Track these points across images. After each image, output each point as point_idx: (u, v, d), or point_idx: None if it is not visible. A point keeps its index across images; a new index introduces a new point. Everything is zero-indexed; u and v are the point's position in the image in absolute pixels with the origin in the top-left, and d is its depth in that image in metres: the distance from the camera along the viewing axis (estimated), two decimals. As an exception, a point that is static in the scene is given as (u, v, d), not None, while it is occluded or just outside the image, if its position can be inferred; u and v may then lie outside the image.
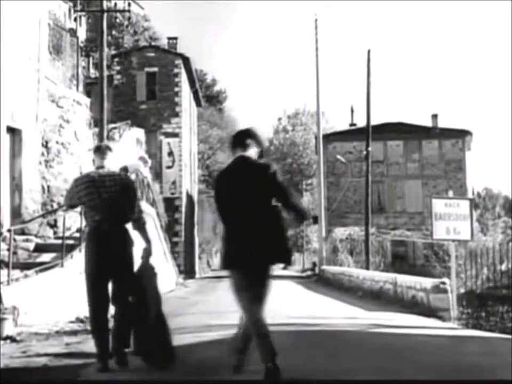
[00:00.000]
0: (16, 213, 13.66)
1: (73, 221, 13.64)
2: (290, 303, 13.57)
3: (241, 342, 4.83)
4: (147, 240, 5.50)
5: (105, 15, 17.06)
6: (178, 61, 36.10)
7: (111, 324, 5.38)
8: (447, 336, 7.90)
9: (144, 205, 18.09)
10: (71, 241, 12.28)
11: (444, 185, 35.30)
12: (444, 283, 11.04)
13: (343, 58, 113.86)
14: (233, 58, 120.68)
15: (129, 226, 5.43)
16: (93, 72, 30.45)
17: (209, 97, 58.54)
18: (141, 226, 5.50)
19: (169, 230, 28.54)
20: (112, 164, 5.72)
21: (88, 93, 22.14)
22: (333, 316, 10.04)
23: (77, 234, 12.90)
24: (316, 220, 34.38)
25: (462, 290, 16.44)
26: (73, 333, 8.05)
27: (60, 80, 17.24)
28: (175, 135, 35.59)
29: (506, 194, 65.55)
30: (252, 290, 4.57)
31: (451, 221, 11.89)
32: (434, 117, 38.90)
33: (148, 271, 5.41)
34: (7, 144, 13.45)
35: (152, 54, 36.03)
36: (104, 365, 5.10)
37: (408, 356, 5.75)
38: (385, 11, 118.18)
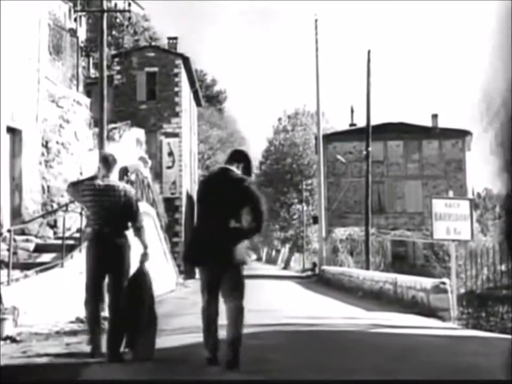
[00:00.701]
0: (16, 213, 13.66)
1: (73, 221, 13.65)
2: (291, 303, 13.58)
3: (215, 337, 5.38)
4: (145, 246, 5.91)
5: (105, 15, 17.03)
6: (178, 61, 36.09)
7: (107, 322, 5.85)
8: (447, 336, 7.90)
9: (144, 206, 18.11)
10: (71, 242, 12.28)
11: (444, 185, 35.28)
12: (444, 283, 11.04)
13: (343, 58, 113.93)
14: (233, 58, 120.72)
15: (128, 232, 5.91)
16: (93, 72, 30.44)
17: (209, 97, 58.52)
18: (139, 233, 5.92)
19: (169, 230, 28.53)
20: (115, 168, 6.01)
21: (88, 93, 22.14)
22: (333, 316, 10.04)
23: (77, 235, 12.89)
24: (316, 220, 34.39)
25: (462, 291, 16.46)
26: (73, 333, 8.05)
27: (60, 80, 17.25)
28: (175, 135, 35.58)
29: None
30: (210, 283, 5.26)
31: (451, 221, 11.89)
32: (434, 117, 38.89)
33: (143, 275, 5.80)
34: (7, 144, 13.45)
35: (152, 54, 36.01)
36: (94, 352, 5.71)
37: (408, 356, 5.75)
38: (385, 11, 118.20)
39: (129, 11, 35.14)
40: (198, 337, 7.27)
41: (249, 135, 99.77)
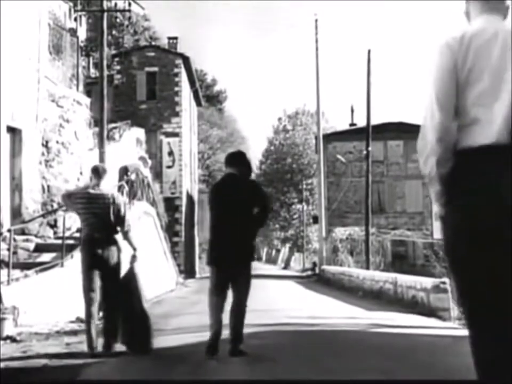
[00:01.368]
0: (16, 213, 13.66)
1: (73, 221, 13.63)
2: (291, 303, 13.58)
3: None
4: (133, 248, 6.45)
5: (105, 15, 17.02)
6: (179, 61, 36.08)
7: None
8: (447, 336, 7.89)
9: (144, 205, 18.11)
10: (71, 241, 12.26)
11: (444, 185, 35.24)
12: (444, 283, 11.03)
13: (343, 58, 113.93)
14: (233, 58, 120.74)
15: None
16: (93, 72, 30.42)
17: (209, 97, 58.51)
18: (127, 236, 6.45)
19: (169, 229, 28.53)
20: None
21: (88, 93, 22.13)
22: (333, 316, 10.04)
23: (77, 234, 12.88)
24: (316, 219, 34.39)
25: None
26: (73, 333, 8.05)
27: (60, 80, 17.25)
28: (175, 134, 35.57)
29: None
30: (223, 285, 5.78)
31: (451, 221, 11.87)
32: (434, 116, 38.84)
33: (133, 275, 6.36)
34: (7, 144, 13.44)
35: (152, 54, 36.00)
36: (91, 350, 6.04)
37: (408, 356, 5.75)
38: (385, 11, 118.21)
39: (129, 11, 35.15)
40: (198, 337, 7.27)
41: (249, 135, 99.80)
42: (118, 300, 6.24)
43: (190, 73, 37.97)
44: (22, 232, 13.24)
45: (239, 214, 5.68)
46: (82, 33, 33.77)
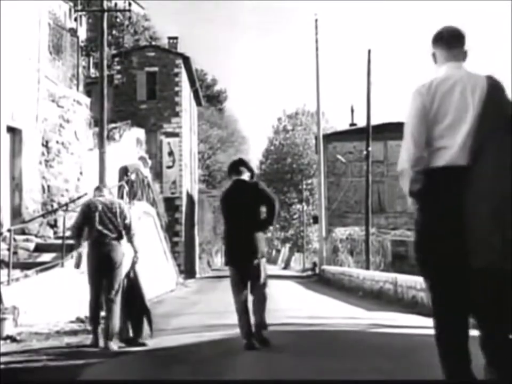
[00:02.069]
0: (16, 212, 13.66)
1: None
2: (291, 303, 13.57)
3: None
4: (135, 251, 7.06)
5: (105, 14, 16.99)
6: (179, 61, 36.08)
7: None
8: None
9: (144, 205, 18.11)
10: (71, 241, 12.23)
11: (444, 185, 35.22)
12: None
13: (343, 58, 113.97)
14: (233, 58, 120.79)
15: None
16: (93, 72, 30.43)
17: (209, 97, 58.48)
18: (131, 240, 7.05)
19: (170, 229, 28.53)
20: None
21: (88, 93, 22.12)
22: (333, 316, 10.03)
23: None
24: (316, 219, 34.38)
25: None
26: (73, 333, 8.05)
27: (60, 80, 17.23)
28: (175, 134, 35.57)
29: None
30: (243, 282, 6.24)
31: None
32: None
33: (134, 276, 7.01)
34: (7, 144, 13.44)
35: (152, 54, 35.99)
36: (95, 343, 6.69)
37: (408, 356, 5.74)
38: (385, 11, 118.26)
39: (129, 10, 35.13)
40: (198, 337, 7.28)
41: (250, 135, 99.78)
42: (121, 297, 6.84)
43: (190, 73, 37.97)
44: (22, 232, 13.24)
45: (247, 217, 6.19)
46: (82, 33, 33.78)
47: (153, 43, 40.30)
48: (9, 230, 10.72)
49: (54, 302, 9.73)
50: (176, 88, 35.76)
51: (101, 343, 6.63)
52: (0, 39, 12.62)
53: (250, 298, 6.30)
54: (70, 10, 34.27)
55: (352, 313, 10.74)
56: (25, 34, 14.10)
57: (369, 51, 25.05)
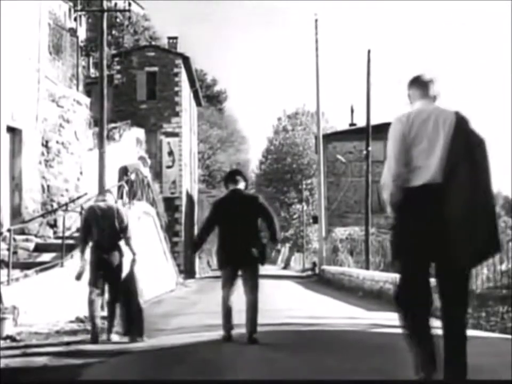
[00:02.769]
0: (16, 212, 13.66)
1: (73, 220, 13.65)
2: (291, 303, 13.58)
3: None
4: (133, 253, 7.39)
5: (105, 14, 16.97)
6: (179, 61, 36.07)
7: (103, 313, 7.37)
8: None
9: (144, 205, 18.10)
10: (71, 241, 12.25)
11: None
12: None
13: (343, 58, 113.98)
14: (233, 58, 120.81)
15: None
16: (93, 72, 30.43)
17: (209, 97, 58.49)
18: (129, 242, 7.38)
19: (169, 229, 28.52)
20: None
21: (88, 93, 22.12)
22: (333, 316, 10.04)
23: (77, 234, 12.87)
24: (316, 219, 34.38)
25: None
26: (73, 332, 8.05)
27: (60, 79, 17.24)
28: (175, 134, 35.57)
29: (506, 194, 65.46)
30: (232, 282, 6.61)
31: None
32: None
33: (132, 277, 7.36)
34: (7, 144, 13.44)
35: (152, 54, 35.99)
36: (95, 339, 7.01)
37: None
38: (385, 11, 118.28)
39: (129, 10, 35.14)
40: (198, 337, 7.28)
41: (250, 135, 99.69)
42: (119, 296, 7.28)
43: (190, 73, 37.97)
44: (22, 232, 13.23)
45: (243, 225, 6.45)
46: (82, 33, 33.79)
47: (153, 43, 40.31)
48: (9, 230, 10.72)
49: (54, 302, 9.72)
50: (176, 88, 35.76)
51: (102, 337, 7.08)
52: (0, 39, 12.61)
53: (244, 299, 6.57)
54: (70, 10, 34.30)
55: (352, 313, 10.74)
56: (25, 34, 14.10)
57: (369, 51, 25.03)
